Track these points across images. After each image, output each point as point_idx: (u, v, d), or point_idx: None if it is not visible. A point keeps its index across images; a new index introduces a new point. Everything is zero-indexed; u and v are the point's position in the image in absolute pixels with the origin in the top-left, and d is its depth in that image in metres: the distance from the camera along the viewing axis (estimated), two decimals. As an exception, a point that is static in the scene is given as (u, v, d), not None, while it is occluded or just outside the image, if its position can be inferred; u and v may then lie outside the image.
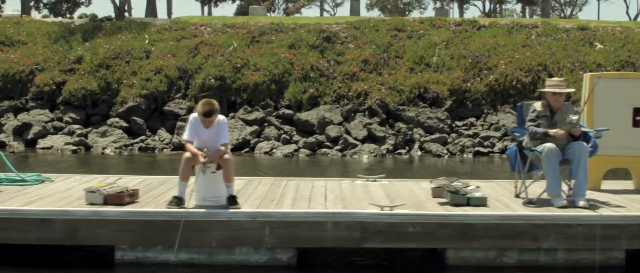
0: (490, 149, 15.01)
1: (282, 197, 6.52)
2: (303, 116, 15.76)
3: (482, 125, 15.79)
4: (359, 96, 16.18)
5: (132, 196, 6.13)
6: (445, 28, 19.85)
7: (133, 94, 16.27)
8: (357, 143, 14.93)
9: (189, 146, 5.88)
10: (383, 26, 19.72)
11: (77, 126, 15.97)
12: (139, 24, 20.64)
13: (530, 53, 17.41)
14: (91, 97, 16.51)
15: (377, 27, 19.65)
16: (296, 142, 15.11)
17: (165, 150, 15.27)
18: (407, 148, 15.06)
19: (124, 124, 15.93)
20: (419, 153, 14.99)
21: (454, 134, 15.43)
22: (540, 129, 6.33)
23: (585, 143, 6.32)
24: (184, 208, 5.80)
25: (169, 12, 53.94)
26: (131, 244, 5.70)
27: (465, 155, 14.81)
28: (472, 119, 15.90)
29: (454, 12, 56.20)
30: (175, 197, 5.86)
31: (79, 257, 5.97)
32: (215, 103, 5.93)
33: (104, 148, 15.18)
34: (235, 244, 5.68)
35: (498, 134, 15.40)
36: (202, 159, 5.72)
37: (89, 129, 15.96)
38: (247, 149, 15.06)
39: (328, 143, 15.06)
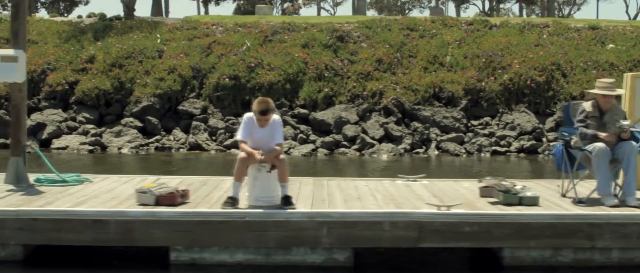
0: (507, 149, 15.06)
1: (331, 197, 6.49)
2: (319, 115, 15.74)
3: (498, 124, 15.83)
4: (374, 96, 16.17)
5: (183, 196, 6.08)
6: (456, 27, 19.89)
7: (147, 94, 16.17)
8: (374, 142, 14.93)
9: (243, 146, 5.84)
10: (395, 25, 19.72)
11: (91, 126, 15.87)
12: (150, 23, 20.53)
13: (543, 52, 17.46)
14: (105, 97, 16.40)
15: (389, 26, 19.65)
16: (313, 142, 15.09)
17: (181, 150, 15.20)
18: (424, 147, 15.08)
19: (139, 124, 15.84)
20: (436, 152, 15.01)
21: (470, 134, 15.47)
22: (590, 131, 6.33)
23: (634, 143, 6.34)
24: (238, 208, 5.77)
25: (167, 11, 53.72)
26: (187, 245, 5.65)
27: (482, 154, 14.85)
28: (487, 119, 15.94)
29: (449, 11, 56.45)
30: (230, 197, 5.82)
31: (133, 258, 5.91)
32: (270, 101, 5.90)
33: (120, 148, 15.10)
34: (293, 244, 5.64)
35: (514, 133, 15.45)
36: (259, 157, 5.68)
37: (103, 129, 15.86)
38: (263, 148, 14.99)
39: (345, 143, 15.05)
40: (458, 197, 6.54)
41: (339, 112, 15.70)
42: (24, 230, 5.67)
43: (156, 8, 29.37)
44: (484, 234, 5.68)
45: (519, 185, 6.55)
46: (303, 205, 6.05)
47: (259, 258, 5.66)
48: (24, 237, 5.70)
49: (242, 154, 5.83)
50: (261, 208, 5.82)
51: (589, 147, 6.29)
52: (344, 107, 15.93)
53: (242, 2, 51.75)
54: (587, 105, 6.51)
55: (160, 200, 5.88)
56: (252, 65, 16.85)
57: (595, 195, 6.35)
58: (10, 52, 7.14)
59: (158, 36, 18.94)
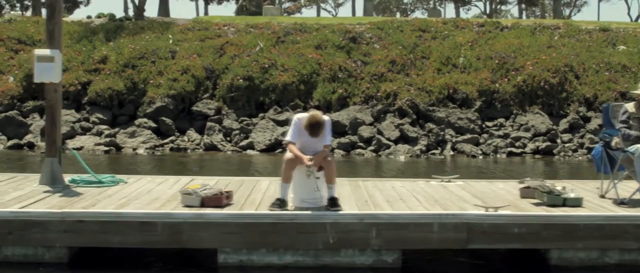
0: (522, 150, 15.08)
1: (373, 199, 6.47)
2: (334, 116, 15.70)
3: (512, 126, 15.85)
4: (388, 97, 16.16)
5: (228, 198, 6.05)
6: (468, 29, 19.92)
7: (160, 94, 16.11)
8: (390, 143, 14.92)
9: (292, 147, 5.81)
10: (407, 27, 19.73)
11: (105, 127, 15.80)
12: (161, 24, 20.46)
13: (555, 54, 17.50)
14: (118, 98, 16.32)
15: (401, 27, 19.66)
16: (329, 143, 15.05)
17: (196, 150, 15.15)
18: (439, 148, 15.08)
19: (153, 124, 15.77)
20: (451, 153, 15.01)
21: (485, 135, 15.48)
22: (635, 132, 6.34)
23: (676, 144, 6.34)
24: (286, 210, 5.75)
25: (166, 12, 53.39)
26: (235, 247, 5.62)
27: (498, 156, 14.86)
28: (501, 120, 15.95)
29: (446, 13, 56.44)
30: (277, 199, 5.79)
31: (178, 261, 5.87)
32: (321, 117, 5.75)
33: (134, 149, 15.04)
34: (342, 246, 5.62)
35: (529, 134, 15.46)
36: (308, 163, 5.65)
37: (117, 129, 15.79)
38: (279, 149, 14.98)
39: (361, 144, 15.04)
40: (498, 198, 6.54)
41: (354, 113, 15.69)
42: (69, 232, 5.63)
43: (163, 9, 29.30)
44: (532, 235, 5.68)
45: (559, 186, 6.56)
46: (346, 206, 6.01)
47: (308, 260, 5.63)
48: (69, 239, 5.66)
49: (289, 155, 5.80)
50: (307, 210, 5.80)
51: (631, 148, 6.30)
52: (358, 108, 15.91)
53: (244, 2, 51.60)
54: (629, 106, 6.52)
55: (205, 202, 5.85)
56: (266, 66, 16.81)
57: (636, 196, 6.36)
58: (46, 52, 7.10)
59: (170, 36, 18.88)
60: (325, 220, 5.60)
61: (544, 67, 16.71)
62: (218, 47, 18.01)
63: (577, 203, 6.14)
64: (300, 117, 5.92)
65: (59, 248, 5.68)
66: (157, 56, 17.48)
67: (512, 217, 5.71)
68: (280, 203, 5.75)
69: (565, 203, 6.12)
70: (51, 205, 6.02)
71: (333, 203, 5.79)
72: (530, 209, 6.02)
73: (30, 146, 15.23)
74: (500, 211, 5.77)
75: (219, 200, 5.90)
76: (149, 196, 6.51)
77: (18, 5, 46.22)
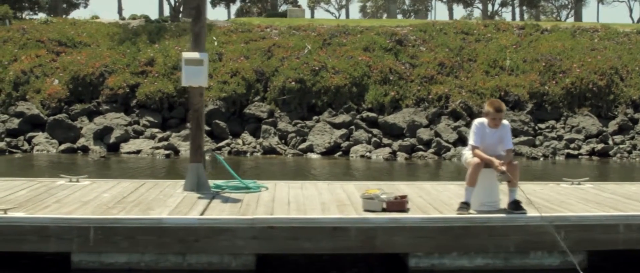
0: (578, 152, 15.32)
1: (534, 202, 6.54)
2: (389, 119, 15.77)
3: (563, 127, 16.10)
4: (439, 99, 16.29)
5: (407, 202, 6.07)
6: (509, 31, 20.18)
7: (212, 97, 16.00)
8: (449, 145, 15.03)
9: (478, 152, 5.85)
10: (450, 29, 19.91)
11: (157, 130, 15.63)
12: (202, 26, 20.26)
13: (600, 57, 17.84)
14: (167, 100, 16.15)
15: (444, 30, 19.83)
16: (388, 145, 15.12)
17: (255, 154, 15.05)
18: (496, 150, 15.22)
19: (206, 127, 15.61)
20: (508, 155, 15.16)
21: (540, 137, 15.69)
22: None
23: None
24: (470, 213, 5.80)
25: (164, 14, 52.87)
26: (427, 251, 5.64)
27: (557, 158, 15.08)
28: (552, 122, 16.20)
29: (436, 15, 56.87)
30: (463, 203, 5.83)
31: (364, 265, 5.87)
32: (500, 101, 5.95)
33: (193, 152, 14.88)
34: (531, 248, 5.69)
35: (581, 136, 15.72)
36: (502, 168, 5.70)
37: (168, 133, 15.62)
38: (339, 152, 14.99)
39: (420, 146, 15.12)
40: (649, 200, 6.68)
41: (410, 115, 15.78)
42: (258, 239, 5.56)
43: (187, 11, 29.05)
44: None
45: None
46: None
47: (498, 262, 5.69)
48: (258, 246, 5.58)
49: (475, 159, 5.84)
50: (488, 213, 5.86)
51: None
52: (412, 110, 16.00)
53: (244, 5, 51.37)
54: None
55: (389, 206, 5.86)
56: (316, 68, 16.81)
57: None
58: (195, 55, 7.01)
59: (214, 38, 18.74)
60: (517, 223, 5.67)
61: (590, 69, 17.02)
62: (265, 50, 17.95)
63: None
64: (480, 120, 5.97)
65: (246, 255, 5.63)
66: (205, 59, 17.31)
67: (690, 218, 5.85)
68: (466, 206, 5.80)
69: None
70: (226, 211, 5.96)
71: (516, 206, 5.85)
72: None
73: (85, 149, 14.99)
74: (679, 213, 5.90)
75: (402, 204, 5.92)
76: (310, 201, 6.46)
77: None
